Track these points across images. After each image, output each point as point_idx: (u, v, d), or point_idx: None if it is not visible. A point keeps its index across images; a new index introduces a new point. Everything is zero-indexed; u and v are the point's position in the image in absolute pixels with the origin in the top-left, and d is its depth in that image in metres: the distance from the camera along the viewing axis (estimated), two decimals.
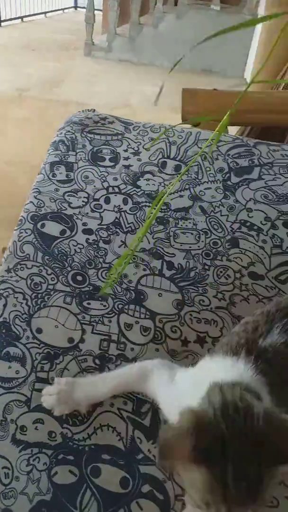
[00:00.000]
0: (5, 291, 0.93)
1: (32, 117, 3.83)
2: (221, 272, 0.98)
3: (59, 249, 1.00)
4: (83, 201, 1.08)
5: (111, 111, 1.35)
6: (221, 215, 1.06)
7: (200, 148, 1.17)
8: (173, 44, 5.78)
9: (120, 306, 0.92)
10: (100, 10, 6.28)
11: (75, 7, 9.42)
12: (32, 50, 5.89)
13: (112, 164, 1.15)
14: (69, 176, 1.13)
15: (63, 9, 9.03)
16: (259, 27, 2.84)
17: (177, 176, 1.11)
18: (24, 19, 7.60)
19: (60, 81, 4.91)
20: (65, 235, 1.02)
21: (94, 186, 1.11)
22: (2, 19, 6.72)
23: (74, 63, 5.63)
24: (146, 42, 5.73)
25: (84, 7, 5.68)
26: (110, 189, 1.10)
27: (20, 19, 7.45)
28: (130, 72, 5.50)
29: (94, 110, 1.36)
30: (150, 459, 0.76)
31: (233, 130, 1.56)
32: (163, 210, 1.07)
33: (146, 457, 0.76)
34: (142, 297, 0.94)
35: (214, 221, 1.05)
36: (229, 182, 1.11)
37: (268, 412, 0.52)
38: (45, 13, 8.26)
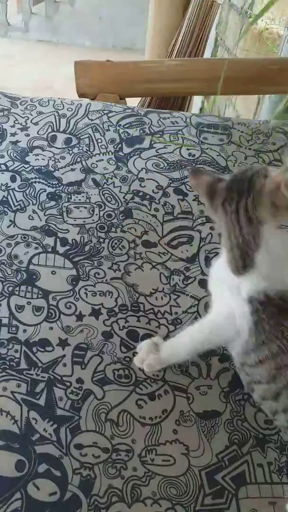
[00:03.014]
0: None
1: None
2: (115, 243, 0.97)
3: None
4: None
5: (33, 94, 1.27)
6: (114, 187, 1.04)
7: (91, 120, 1.14)
8: (91, 21, 5.59)
9: (10, 288, 0.88)
10: None
11: None
12: None
13: None
14: None
15: None
16: None
17: (68, 150, 1.07)
18: None
19: None
20: None
21: None
22: None
23: None
24: (64, 20, 5.50)
25: None
26: None
27: None
28: (50, 53, 5.26)
29: None
30: (46, 438, 0.74)
31: (134, 103, 1.55)
32: (54, 186, 1.03)
33: (42, 436, 0.74)
34: (34, 277, 0.90)
35: (108, 193, 1.03)
36: (121, 153, 1.09)
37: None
38: None
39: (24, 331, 0.84)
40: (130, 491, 0.70)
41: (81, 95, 1.39)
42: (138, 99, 1.75)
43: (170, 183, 1.05)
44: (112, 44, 5.62)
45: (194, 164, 1.10)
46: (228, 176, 0.71)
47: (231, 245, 0.67)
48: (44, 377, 0.79)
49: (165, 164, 1.08)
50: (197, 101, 3.05)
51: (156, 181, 1.05)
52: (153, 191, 1.04)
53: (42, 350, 0.82)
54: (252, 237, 0.65)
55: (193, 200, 1.04)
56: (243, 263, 0.67)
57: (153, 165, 1.08)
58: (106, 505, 0.69)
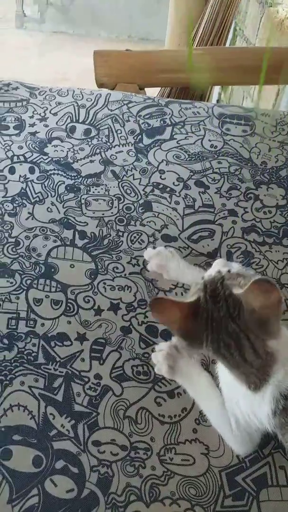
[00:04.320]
0: None
1: None
2: (135, 237, 0.95)
3: None
4: None
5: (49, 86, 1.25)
6: (134, 179, 1.02)
7: (111, 110, 1.12)
8: (107, 12, 5.54)
9: (28, 281, 0.87)
10: None
11: None
12: None
13: (17, 132, 1.08)
14: None
15: None
16: None
17: (87, 141, 1.05)
18: None
19: None
20: None
21: None
22: None
23: (6, 36, 5.26)
24: (80, 11, 5.46)
25: None
26: (15, 159, 1.03)
27: None
28: (66, 44, 5.22)
29: None
30: (63, 434, 0.73)
31: (153, 93, 1.52)
32: (73, 178, 1.01)
33: (59, 432, 0.73)
34: (52, 270, 0.89)
35: (127, 186, 1.01)
36: (141, 144, 1.07)
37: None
38: None
39: (42, 325, 0.83)
40: (149, 490, 0.69)
41: (100, 85, 1.37)
42: (158, 89, 1.71)
43: (192, 175, 1.02)
44: (128, 34, 5.55)
45: (216, 156, 1.06)
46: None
47: (244, 376, 0.62)
48: (62, 372, 0.78)
49: (186, 156, 1.05)
50: (214, 93, 2.99)
51: (177, 173, 1.02)
52: (173, 183, 1.01)
53: (60, 344, 0.81)
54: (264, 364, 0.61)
55: (215, 193, 1.01)
56: (260, 379, 0.62)
57: (174, 156, 1.05)
58: (124, 503, 0.67)
